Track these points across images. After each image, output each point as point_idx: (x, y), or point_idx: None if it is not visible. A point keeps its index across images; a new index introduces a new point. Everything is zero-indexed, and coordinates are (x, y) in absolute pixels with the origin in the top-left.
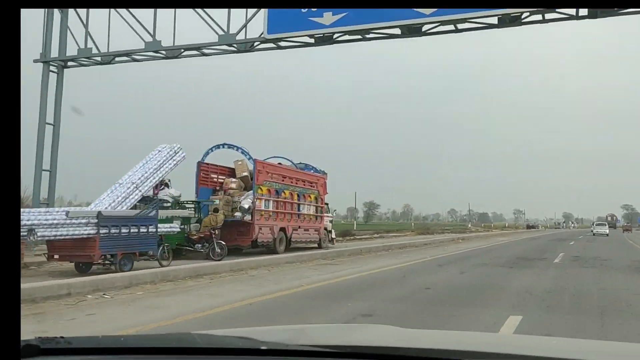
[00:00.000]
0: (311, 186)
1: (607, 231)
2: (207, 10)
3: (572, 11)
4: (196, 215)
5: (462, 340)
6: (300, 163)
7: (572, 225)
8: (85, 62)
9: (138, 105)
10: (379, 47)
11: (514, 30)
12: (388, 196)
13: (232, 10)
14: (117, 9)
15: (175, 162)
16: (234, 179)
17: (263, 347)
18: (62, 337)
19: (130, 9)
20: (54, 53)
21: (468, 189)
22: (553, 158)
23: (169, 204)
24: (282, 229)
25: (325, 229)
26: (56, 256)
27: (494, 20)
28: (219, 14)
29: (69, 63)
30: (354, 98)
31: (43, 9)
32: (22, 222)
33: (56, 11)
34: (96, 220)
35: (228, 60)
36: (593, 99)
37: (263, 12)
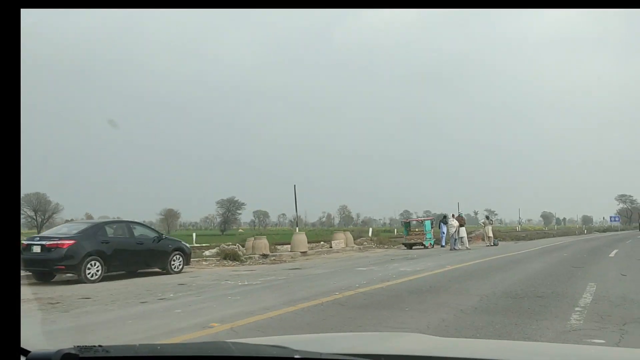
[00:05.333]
0: None
1: None
2: None
3: None
4: None
5: (497, 348)
6: None
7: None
8: None
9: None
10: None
11: (491, 32)
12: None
13: None
14: None
15: None
16: None
17: (296, 356)
18: (100, 346)
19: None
20: None
21: (429, 191)
22: (524, 156)
23: None
24: None
25: None
26: None
27: None
28: None
29: None
30: (337, 99)
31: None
32: None
33: None
34: None
35: None
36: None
37: None
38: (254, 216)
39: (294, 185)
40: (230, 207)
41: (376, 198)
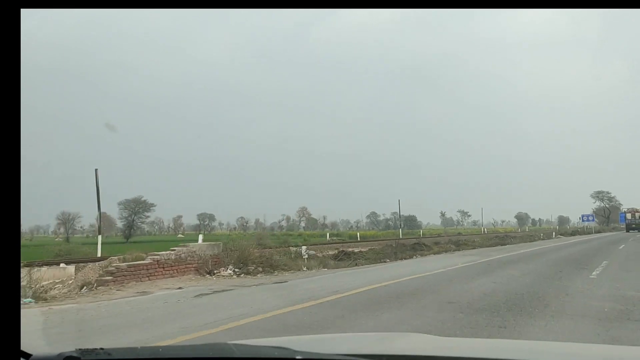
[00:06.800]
0: None
1: None
2: None
3: None
4: None
5: (499, 348)
6: None
7: None
8: None
9: None
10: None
11: (464, 36)
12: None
13: None
14: None
15: None
16: None
17: (298, 357)
18: (101, 349)
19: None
20: None
21: (404, 192)
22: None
23: None
24: None
25: None
26: None
27: None
28: None
29: None
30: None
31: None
32: None
33: None
34: None
35: None
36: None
37: None
38: (199, 219)
39: (95, 170)
40: (137, 209)
41: (345, 199)
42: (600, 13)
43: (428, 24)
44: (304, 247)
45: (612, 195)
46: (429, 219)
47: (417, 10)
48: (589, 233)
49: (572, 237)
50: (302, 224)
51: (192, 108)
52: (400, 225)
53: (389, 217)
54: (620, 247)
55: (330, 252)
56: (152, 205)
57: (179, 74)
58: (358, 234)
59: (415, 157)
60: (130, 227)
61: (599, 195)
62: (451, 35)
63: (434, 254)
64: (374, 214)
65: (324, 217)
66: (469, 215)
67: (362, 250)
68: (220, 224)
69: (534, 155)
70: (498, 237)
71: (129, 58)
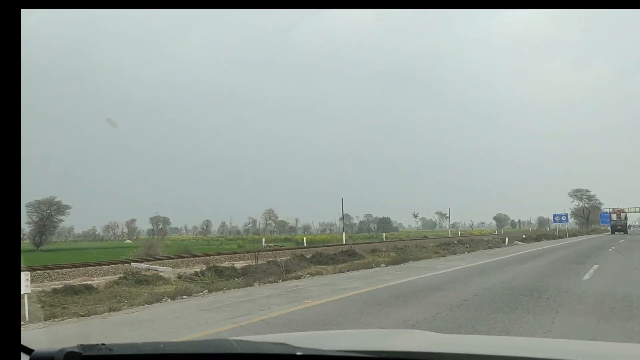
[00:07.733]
0: None
1: None
2: None
3: None
4: None
5: (499, 344)
6: None
7: None
8: None
9: None
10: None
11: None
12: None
13: None
14: None
15: None
16: None
17: (298, 353)
18: (103, 344)
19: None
20: None
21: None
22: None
23: None
24: None
25: None
26: None
27: None
28: None
29: None
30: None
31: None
32: None
33: None
34: None
35: None
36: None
37: None
38: (151, 223)
39: None
40: (51, 212)
41: (329, 201)
42: (582, 16)
43: (407, 25)
44: (23, 274)
45: (592, 194)
46: (410, 221)
47: (396, 10)
48: (560, 237)
49: (536, 242)
50: (273, 227)
51: (173, 108)
52: (344, 229)
53: (362, 220)
54: (586, 277)
55: (196, 269)
56: (67, 207)
57: (170, 74)
58: (304, 238)
59: (401, 158)
60: (41, 233)
61: (577, 193)
62: (431, 35)
63: (332, 273)
64: (347, 216)
65: (297, 220)
66: (447, 217)
67: (251, 264)
68: (186, 227)
69: (520, 155)
70: (458, 242)
71: (125, 58)
